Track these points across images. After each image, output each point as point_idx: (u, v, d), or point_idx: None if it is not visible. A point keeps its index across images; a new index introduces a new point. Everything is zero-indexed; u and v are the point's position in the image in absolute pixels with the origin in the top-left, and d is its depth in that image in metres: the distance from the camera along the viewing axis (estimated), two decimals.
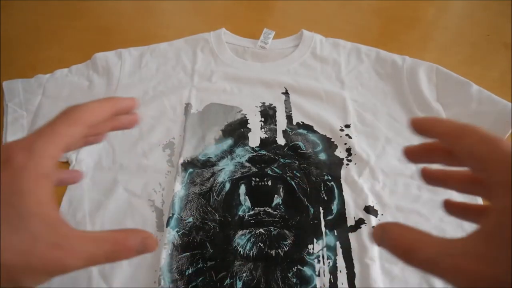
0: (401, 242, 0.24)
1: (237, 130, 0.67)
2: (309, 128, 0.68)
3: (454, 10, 1.03)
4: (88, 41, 0.88)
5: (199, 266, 0.53)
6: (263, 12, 1.00)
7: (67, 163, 0.64)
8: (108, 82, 0.73)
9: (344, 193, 0.60)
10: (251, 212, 0.58)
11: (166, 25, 0.94)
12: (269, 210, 0.58)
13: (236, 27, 0.87)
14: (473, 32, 0.94)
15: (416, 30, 0.95)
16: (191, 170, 0.62)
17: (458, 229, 0.57)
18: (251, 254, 0.54)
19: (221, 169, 0.62)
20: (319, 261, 0.54)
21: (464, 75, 0.71)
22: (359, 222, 0.57)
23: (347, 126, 0.68)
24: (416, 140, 0.66)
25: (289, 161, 0.63)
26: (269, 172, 0.62)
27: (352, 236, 0.56)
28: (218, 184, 0.61)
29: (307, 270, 0.53)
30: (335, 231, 0.57)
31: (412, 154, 0.30)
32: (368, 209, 0.58)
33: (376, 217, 0.58)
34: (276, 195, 0.60)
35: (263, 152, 0.64)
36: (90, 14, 0.96)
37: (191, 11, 0.99)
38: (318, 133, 0.67)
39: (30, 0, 0.97)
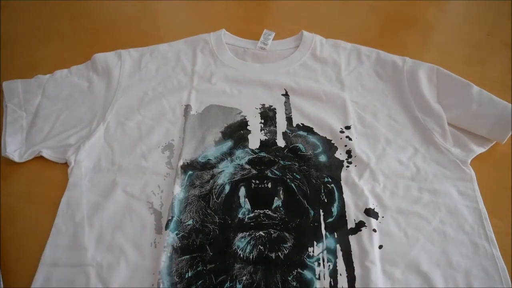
0: None
1: (237, 132, 0.67)
2: (309, 130, 0.68)
3: (454, 10, 1.03)
4: (88, 41, 0.88)
5: (198, 269, 0.53)
6: (263, 12, 1.00)
7: (65, 164, 0.64)
8: (107, 83, 0.73)
9: (344, 195, 0.60)
10: (251, 215, 0.57)
11: (166, 25, 0.94)
12: (269, 212, 0.58)
13: (236, 27, 0.87)
14: (473, 32, 0.95)
15: (416, 30, 0.95)
16: (190, 172, 0.62)
17: (458, 231, 0.57)
18: (251, 257, 0.54)
19: (220, 171, 0.62)
20: (319, 264, 0.53)
21: (464, 75, 0.71)
22: (360, 225, 0.57)
23: (347, 127, 0.67)
24: (416, 141, 0.66)
25: (289, 163, 0.63)
26: (269, 174, 0.61)
27: (352, 238, 0.56)
28: (217, 187, 0.60)
29: (307, 274, 0.53)
30: (335, 233, 0.56)
31: None
32: (369, 212, 0.58)
33: (377, 219, 0.57)
34: (276, 198, 0.59)
35: (263, 154, 0.64)
36: (90, 14, 0.96)
37: (191, 11, 0.99)
38: (318, 135, 0.67)
39: (30, 0, 0.97)
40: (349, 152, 0.65)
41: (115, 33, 0.91)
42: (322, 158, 0.64)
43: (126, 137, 0.66)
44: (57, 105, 0.70)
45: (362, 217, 0.57)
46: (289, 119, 0.69)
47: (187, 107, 0.70)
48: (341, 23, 0.96)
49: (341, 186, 0.61)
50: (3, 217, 0.61)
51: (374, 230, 0.56)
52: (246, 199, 0.59)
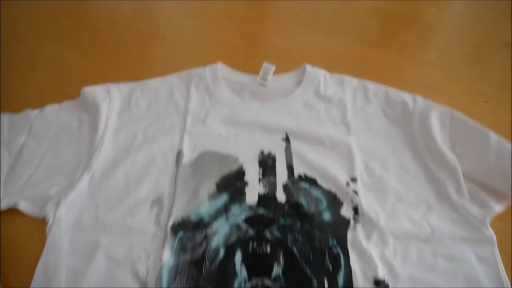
0: None
1: (233, 184, 0.61)
2: (312, 181, 0.62)
3: (454, 10, 1.04)
4: (88, 41, 0.88)
5: None
6: (263, 12, 1.00)
7: (43, 220, 0.58)
8: (95, 124, 0.66)
9: (351, 262, 0.54)
10: (248, 286, 0.52)
11: (166, 25, 0.95)
12: (268, 282, 0.52)
13: (236, 27, 0.89)
14: (473, 32, 0.96)
15: (416, 30, 0.95)
16: (181, 234, 0.56)
17: None
18: None
19: (215, 232, 0.56)
20: None
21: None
22: None
23: (353, 180, 0.62)
24: (429, 196, 0.61)
25: (290, 222, 0.57)
26: (268, 235, 0.56)
27: None
28: (211, 251, 0.54)
29: None
30: None
31: None
32: (379, 283, 0.52)
33: None
34: (275, 264, 0.53)
35: (261, 211, 0.58)
36: (90, 14, 0.97)
37: (191, 11, 0.98)
38: (322, 187, 0.61)
39: (30, 0, 0.97)
40: (356, 209, 0.59)
41: (115, 33, 0.91)
42: (326, 216, 0.58)
43: (112, 188, 0.60)
44: (42, 146, 0.64)
45: None
46: (290, 168, 0.63)
47: (179, 154, 0.64)
48: (341, 23, 0.96)
49: (348, 250, 0.55)
50: (3, 217, 0.59)
51: None
52: (243, 266, 0.53)
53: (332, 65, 0.82)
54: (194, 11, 0.98)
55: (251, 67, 0.81)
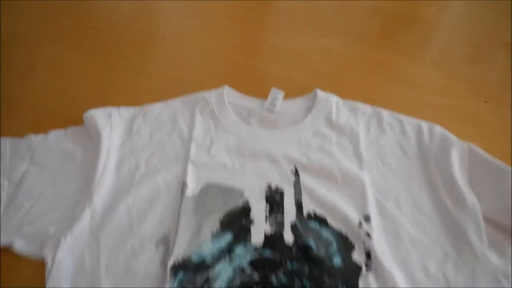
0: None
1: (237, 222, 0.58)
2: (322, 221, 0.59)
3: (454, 10, 1.05)
4: (88, 41, 0.88)
5: None
6: (263, 12, 1.01)
7: (43, 263, 0.55)
8: (97, 155, 0.63)
9: None
10: None
11: (167, 25, 0.95)
12: None
13: (236, 27, 0.89)
14: (473, 32, 0.96)
15: (416, 30, 0.96)
16: (181, 276, 0.53)
17: None
18: None
19: (217, 275, 0.53)
20: None
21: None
22: None
23: (366, 219, 0.58)
24: (446, 241, 0.57)
25: (297, 266, 0.54)
26: (274, 281, 0.53)
27: None
28: None
29: None
30: None
31: None
32: None
33: None
34: None
35: (267, 253, 0.55)
36: (90, 14, 0.96)
37: (191, 11, 0.98)
38: (333, 228, 0.58)
39: (30, 0, 0.97)
40: (368, 254, 0.56)
41: (115, 33, 0.90)
42: (337, 261, 0.55)
43: (115, 226, 0.57)
44: (44, 177, 0.61)
45: None
46: (298, 206, 0.60)
47: (183, 186, 0.61)
48: (341, 23, 0.96)
49: None
50: None
51: None
52: None
53: (332, 65, 0.82)
54: (194, 11, 0.98)
55: (251, 67, 0.81)
